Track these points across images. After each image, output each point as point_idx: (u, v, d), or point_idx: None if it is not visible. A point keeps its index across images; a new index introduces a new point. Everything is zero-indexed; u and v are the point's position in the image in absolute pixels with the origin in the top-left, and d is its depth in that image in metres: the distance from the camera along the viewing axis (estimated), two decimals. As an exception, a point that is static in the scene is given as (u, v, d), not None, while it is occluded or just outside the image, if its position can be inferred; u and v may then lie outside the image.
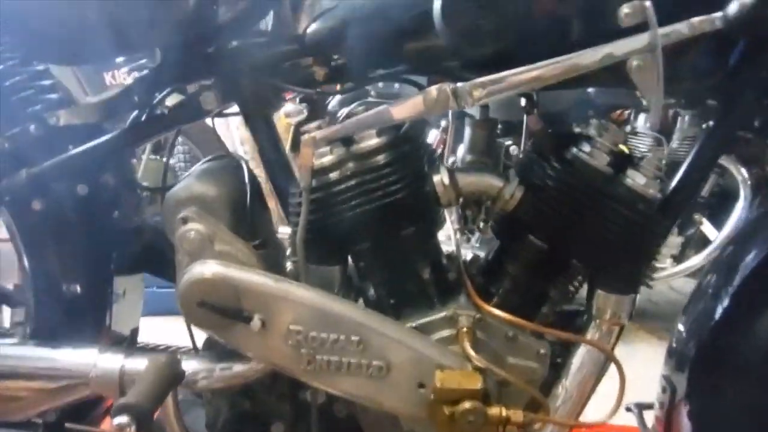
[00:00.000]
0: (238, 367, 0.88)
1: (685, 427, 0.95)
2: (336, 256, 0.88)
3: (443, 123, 1.97)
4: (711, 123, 0.85)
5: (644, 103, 0.73)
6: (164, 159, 1.06)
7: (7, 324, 1.14)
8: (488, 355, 0.85)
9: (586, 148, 0.82)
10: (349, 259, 0.90)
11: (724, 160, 2.17)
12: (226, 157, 0.99)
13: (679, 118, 2.31)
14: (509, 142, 1.85)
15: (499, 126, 1.32)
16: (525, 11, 0.73)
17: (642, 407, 1.24)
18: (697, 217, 2.36)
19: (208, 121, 0.97)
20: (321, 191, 0.83)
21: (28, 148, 0.93)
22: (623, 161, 0.83)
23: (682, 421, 0.95)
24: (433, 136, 2.13)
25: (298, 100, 1.42)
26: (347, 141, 0.84)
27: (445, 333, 0.87)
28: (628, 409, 1.26)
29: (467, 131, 1.07)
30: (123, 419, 0.70)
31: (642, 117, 2.47)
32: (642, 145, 2.29)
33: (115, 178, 0.99)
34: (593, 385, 0.87)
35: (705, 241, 2.37)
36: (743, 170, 2.21)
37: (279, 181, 0.95)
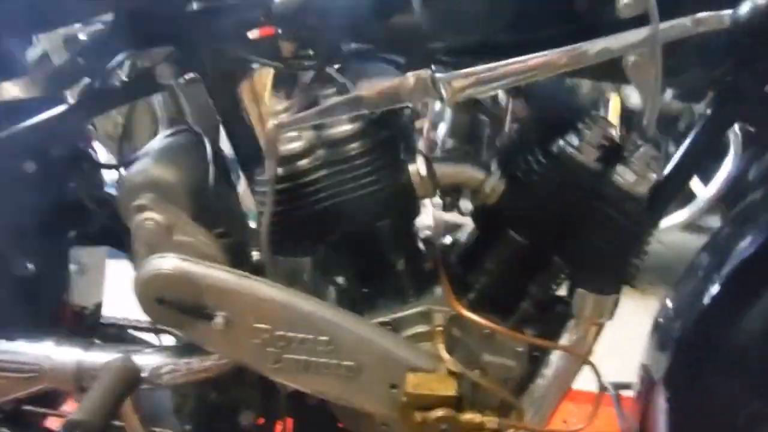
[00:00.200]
0: (203, 362, 0.84)
1: (659, 412, 0.94)
2: (305, 248, 0.83)
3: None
4: (707, 112, 0.80)
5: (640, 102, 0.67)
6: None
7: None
8: (464, 353, 0.83)
9: (574, 141, 0.76)
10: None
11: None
12: (186, 131, 0.91)
13: None
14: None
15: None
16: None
17: (619, 387, 1.23)
18: None
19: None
20: (289, 181, 0.77)
21: None
22: (613, 154, 0.77)
23: (658, 404, 0.94)
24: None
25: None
26: (318, 124, 0.77)
27: (420, 329, 0.83)
28: (605, 389, 1.25)
29: (448, 112, 0.99)
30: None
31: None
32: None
33: (67, 151, 0.92)
34: (569, 386, 0.84)
35: (691, 196, 2.34)
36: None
37: (246, 159, 0.88)
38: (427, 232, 0.94)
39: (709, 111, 0.81)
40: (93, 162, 1.00)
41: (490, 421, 0.77)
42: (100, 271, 1.09)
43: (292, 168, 0.78)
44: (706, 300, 0.84)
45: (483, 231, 0.87)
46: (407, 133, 0.86)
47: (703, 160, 0.85)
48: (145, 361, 0.83)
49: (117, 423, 0.82)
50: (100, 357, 0.83)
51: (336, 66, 0.80)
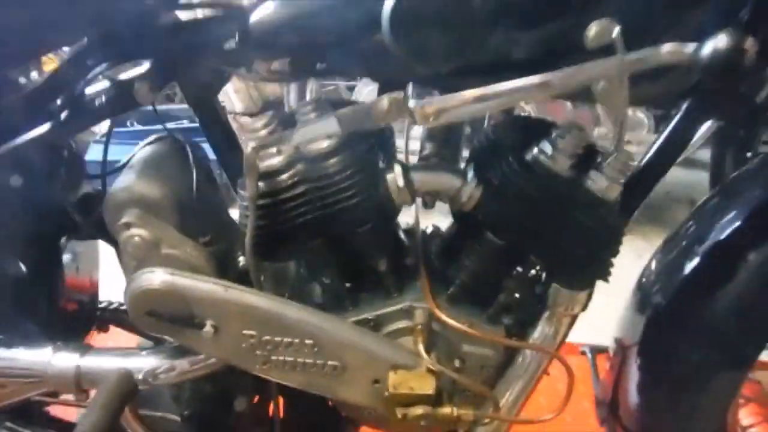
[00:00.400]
0: (197, 362, 0.88)
1: (633, 379, 0.99)
2: (288, 255, 0.86)
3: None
4: (679, 113, 0.81)
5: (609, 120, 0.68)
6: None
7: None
8: (444, 345, 0.87)
9: (548, 149, 0.77)
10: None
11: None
12: (167, 138, 0.92)
13: None
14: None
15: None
16: (481, 30, 0.65)
17: (596, 350, 1.29)
18: None
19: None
20: (269, 197, 0.79)
21: None
22: (587, 160, 0.79)
23: (631, 371, 0.99)
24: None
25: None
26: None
27: (401, 324, 0.87)
28: (582, 353, 1.31)
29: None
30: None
31: None
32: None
33: (53, 162, 0.92)
34: (540, 377, 0.89)
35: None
36: None
37: (230, 168, 0.90)
38: (409, 222, 0.97)
39: (683, 107, 0.83)
40: (79, 172, 1.01)
41: (466, 414, 0.82)
42: (94, 262, 1.11)
43: (272, 184, 0.79)
44: (687, 270, 0.86)
45: (461, 229, 0.90)
46: (386, 140, 0.87)
47: (676, 157, 0.87)
48: (141, 363, 0.88)
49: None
50: (97, 361, 0.87)
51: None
